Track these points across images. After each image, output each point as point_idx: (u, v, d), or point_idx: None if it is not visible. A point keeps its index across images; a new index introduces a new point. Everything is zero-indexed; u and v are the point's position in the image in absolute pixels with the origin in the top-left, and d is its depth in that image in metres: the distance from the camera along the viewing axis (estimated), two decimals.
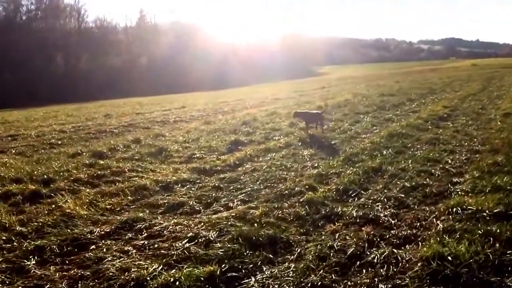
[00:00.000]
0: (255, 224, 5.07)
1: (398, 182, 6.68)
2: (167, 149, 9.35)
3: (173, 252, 4.39)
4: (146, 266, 4.12)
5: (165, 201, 5.95)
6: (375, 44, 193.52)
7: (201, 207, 5.81)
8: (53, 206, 5.73)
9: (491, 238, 4.49)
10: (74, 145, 11.56)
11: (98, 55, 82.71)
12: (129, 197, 6.17)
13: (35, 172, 7.42)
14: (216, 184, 6.78)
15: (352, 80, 46.33)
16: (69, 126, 16.59)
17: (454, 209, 5.34)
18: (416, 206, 5.72)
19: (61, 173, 7.40)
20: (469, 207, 5.34)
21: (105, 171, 7.59)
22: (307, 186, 6.51)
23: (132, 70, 79.00)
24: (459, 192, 6.10)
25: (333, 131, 11.45)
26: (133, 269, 4.07)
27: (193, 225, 5.09)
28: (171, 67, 78.63)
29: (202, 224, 5.13)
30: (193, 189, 6.61)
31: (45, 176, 7.18)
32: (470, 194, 5.97)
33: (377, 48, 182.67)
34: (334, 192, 6.25)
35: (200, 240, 4.67)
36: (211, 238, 4.69)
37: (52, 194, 6.26)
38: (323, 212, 5.50)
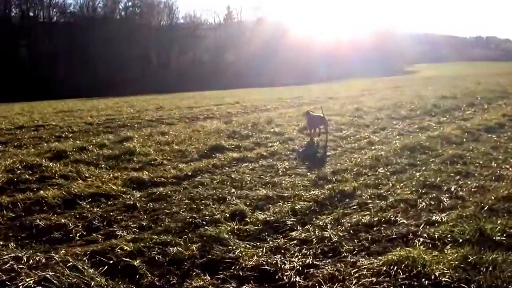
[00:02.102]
0: (105, 268, 3.86)
1: (357, 216, 5.16)
2: (134, 151, 8.29)
3: None
4: None
5: (43, 223, 4.87)
6: (475, 42, 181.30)
7: (79, 234, 4.68)
8: None
9: None
10: (73, 140, 10.85)
11: (187, 50, 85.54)
12: (11, 214, 5.17)
13: None
14: (133, 202, 5.60)
15: (432, 80, 43.13)
16: (104, 118, 16.16)
17: (388, 268, 3.83)
18: (349, 257, 4.21)
19: None
20: (409, 267, 3.80)
21: (33, 176, 6.67)
22: (231, 214, 5.18)
23: (218, 65, 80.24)
24: (423, 239, 4.51)
25: (343, 139, 9.87)
26: None
27: (31, 263, 3.97)
28: (256, 62, 78.69)
29: (48, 261, 4.01)
30: (101, 206, 5.49)
31: None
32: (434, 244, 4.38)
33: (477, 46, 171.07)
34: (258, 225, 4.88)
35: None
36: None
37: None
38: (211, 255, 4.17)
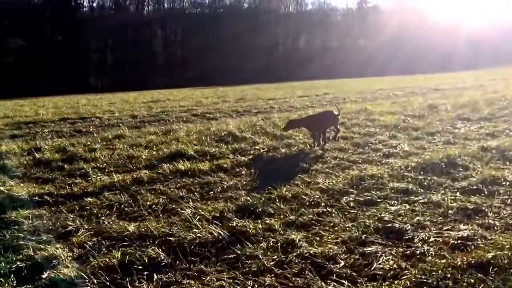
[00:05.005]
0: None
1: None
2: (76, 156, 7.17)
3: None
4: None
5: None
6: None
7: None
8: None
9: None
10: (83, 136, 10.21)
11: (316, 37, 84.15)
12: None
13: None
14: None
15: None
16: (156, 111, 15.58)
17: None
18: None
19: None
20: None
21: None
22: (35, 263, 3.75)
23: (349, 53, 77.63)
24: None
25: (358, 147, 7.68)
26: None
27: None
28: (391, 49, 74.30)
29: None
30: None
31: None
32: None
33: None
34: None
35: None
36: None
37: None
38: None
